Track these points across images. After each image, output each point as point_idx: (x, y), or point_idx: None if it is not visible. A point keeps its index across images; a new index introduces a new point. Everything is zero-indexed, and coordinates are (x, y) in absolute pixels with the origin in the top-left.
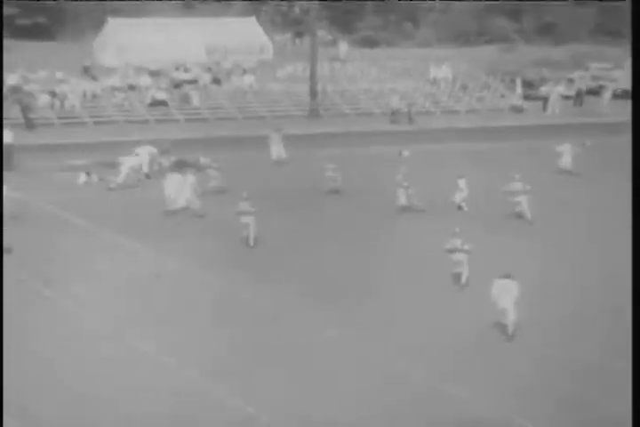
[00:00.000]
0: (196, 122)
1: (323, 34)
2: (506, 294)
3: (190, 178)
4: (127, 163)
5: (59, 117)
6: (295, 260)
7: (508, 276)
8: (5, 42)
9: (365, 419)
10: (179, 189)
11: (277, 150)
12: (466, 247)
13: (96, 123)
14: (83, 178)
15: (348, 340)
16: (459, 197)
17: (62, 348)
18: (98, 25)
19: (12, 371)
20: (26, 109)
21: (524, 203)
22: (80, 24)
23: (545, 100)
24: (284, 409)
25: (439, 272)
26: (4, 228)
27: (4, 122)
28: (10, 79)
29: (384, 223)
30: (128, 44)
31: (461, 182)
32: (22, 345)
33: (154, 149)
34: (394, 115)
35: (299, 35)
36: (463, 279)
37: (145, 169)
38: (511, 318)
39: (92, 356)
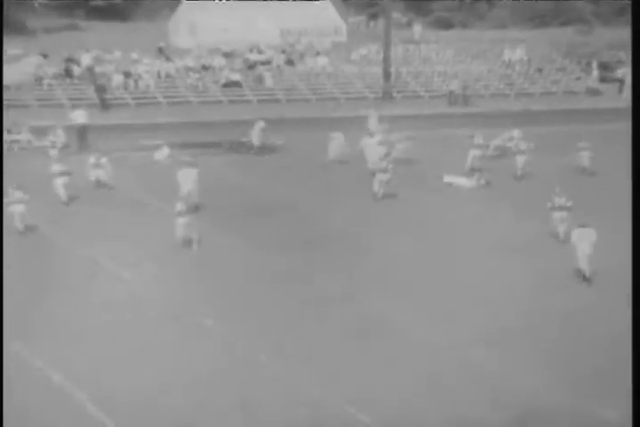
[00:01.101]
0: (268, 103)
1: (397, 16)
2: (585, 241)
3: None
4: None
5: (133, 98)
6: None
7: (584, 225)
8: (80, 22)
9: (434, 404)
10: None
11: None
12: (569, 204)
13: (170, 103)
14: (164, 152)
15: (421, 323)
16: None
17: (125, 324)
18: (172, 5)
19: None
20: (100, 90)
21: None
22: (155, 4)
23: (621, 82)
24: (356, 393)
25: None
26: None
27: (80, 102)
28: (84, 59)
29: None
30: (202, 24)
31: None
32: (80, 314)
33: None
34: (450, 96)
35: (373, 17)
36: (562, 235)
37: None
38: (586, 266)
39: (158, 336)
